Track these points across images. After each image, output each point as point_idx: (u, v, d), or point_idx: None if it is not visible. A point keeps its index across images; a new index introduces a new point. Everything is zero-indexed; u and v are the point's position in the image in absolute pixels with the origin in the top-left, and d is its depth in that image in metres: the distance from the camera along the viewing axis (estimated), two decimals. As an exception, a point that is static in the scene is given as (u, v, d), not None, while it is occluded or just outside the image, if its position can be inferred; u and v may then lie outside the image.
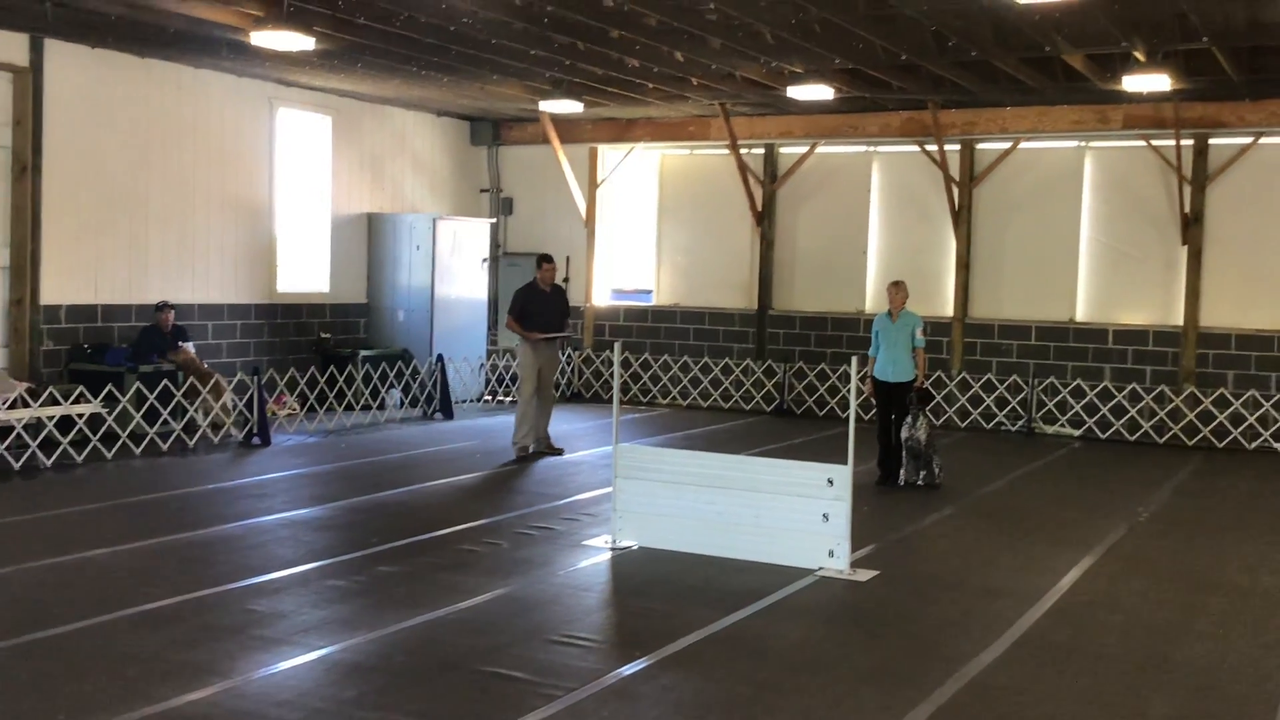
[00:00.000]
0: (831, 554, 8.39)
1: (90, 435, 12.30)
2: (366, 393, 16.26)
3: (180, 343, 14.21)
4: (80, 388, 12.75)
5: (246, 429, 13.71)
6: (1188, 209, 15.79)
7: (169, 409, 13.33)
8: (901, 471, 11.90)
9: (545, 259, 13.49)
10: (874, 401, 12.37)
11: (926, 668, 6.44)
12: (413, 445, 14.07)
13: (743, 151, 17.97)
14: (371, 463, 12.83)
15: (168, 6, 11.35)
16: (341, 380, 16.20)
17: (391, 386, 16.66)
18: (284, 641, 6.64)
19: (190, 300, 15.10)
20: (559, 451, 13.35)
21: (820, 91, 14.54)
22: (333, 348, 16.95)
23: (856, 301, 17.82)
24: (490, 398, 18.46)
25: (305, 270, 17.00)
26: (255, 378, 13.69)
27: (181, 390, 13.60)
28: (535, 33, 12.46)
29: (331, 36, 12.41)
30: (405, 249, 17.65)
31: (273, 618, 7.08)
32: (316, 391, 15.82)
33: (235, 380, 14.26)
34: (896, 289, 12.11)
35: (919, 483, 11.80)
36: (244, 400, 13.95)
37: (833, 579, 8.24)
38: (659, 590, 7.98)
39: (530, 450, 13.20)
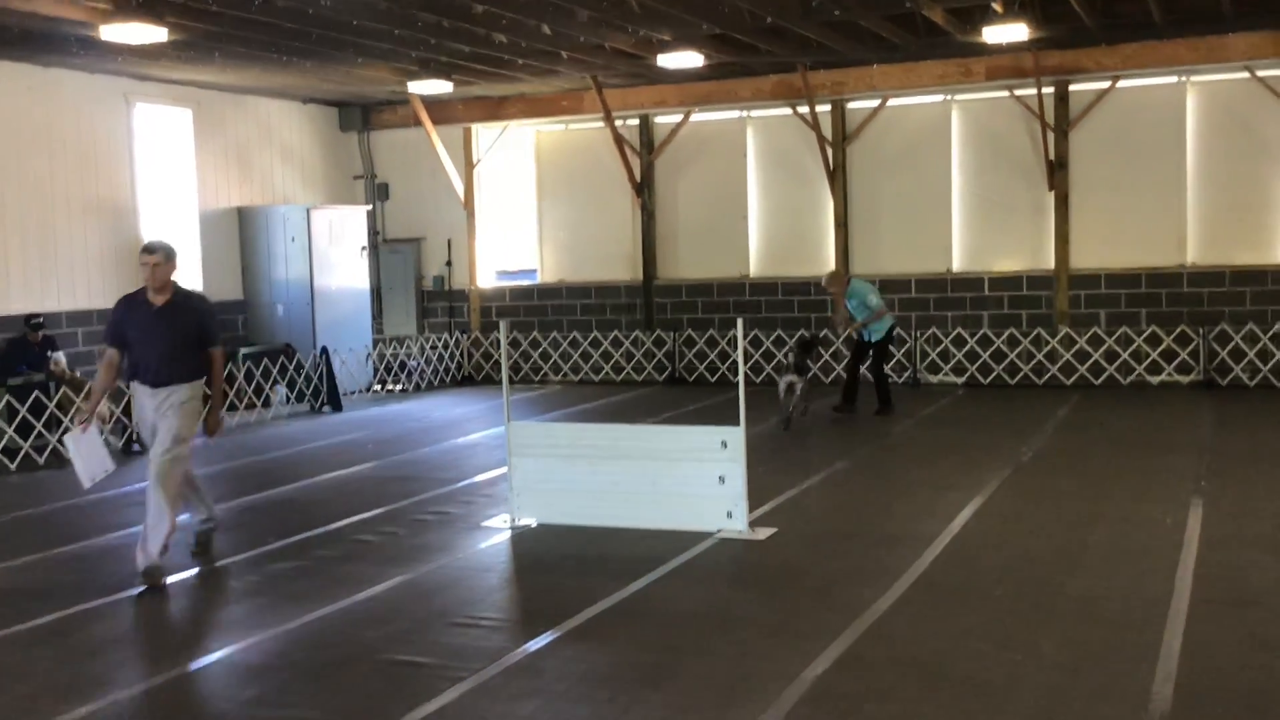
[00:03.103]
0: (730, 515, 8.45)
1: (-40, 454, 11.85)
2: (249, 391, 15.91)
3: (49, 353, 13.72)
4: (-54, 406, 12.27)
5: (126, 436, 13.32)
6: (1052, 155, 16.20)
7: (43, 421, 12.87)
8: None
9: (145, 249, 8.20)
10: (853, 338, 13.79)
11: (827, 619, 6.53)
12: (302, 441, 13.81)
13: (618, 123, 17.93)
14: (259, 461, 12.56)
15: (10, 4, 10.89)
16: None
17: (276, 383, 16.31)
18: (180, 647, 6.46)
19: (57, 308, 14.59)
20: (156, 581, 7.51)
21: (690, 59, 14.57)
22: (212, 347, 16.50)
23: (740, 267, 17.94)
24: (380, 387, 18.21)
25: (176, 269, 16.49)
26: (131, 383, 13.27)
27: (54, 401, 13.15)
28: (398, 12, 12.25)
29: (185, 26, 12.05)
30: (280, 241, 17.27)
31: (166, 624, 6.89)
32: (198, 393, 15.40)
33: (111, 387, 13.81)
34: (833, 281, 12.76)
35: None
36: (121, 407, 13.54)
37: (732, 540, 8.31)
38: (561, 565, 7.96)
39: (158, 567, 7.58)
